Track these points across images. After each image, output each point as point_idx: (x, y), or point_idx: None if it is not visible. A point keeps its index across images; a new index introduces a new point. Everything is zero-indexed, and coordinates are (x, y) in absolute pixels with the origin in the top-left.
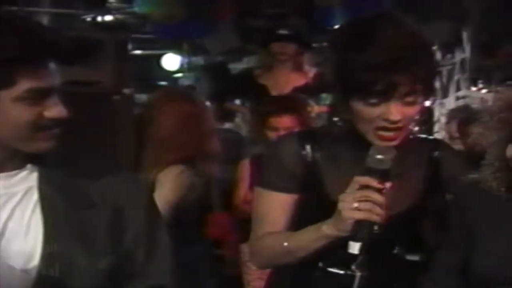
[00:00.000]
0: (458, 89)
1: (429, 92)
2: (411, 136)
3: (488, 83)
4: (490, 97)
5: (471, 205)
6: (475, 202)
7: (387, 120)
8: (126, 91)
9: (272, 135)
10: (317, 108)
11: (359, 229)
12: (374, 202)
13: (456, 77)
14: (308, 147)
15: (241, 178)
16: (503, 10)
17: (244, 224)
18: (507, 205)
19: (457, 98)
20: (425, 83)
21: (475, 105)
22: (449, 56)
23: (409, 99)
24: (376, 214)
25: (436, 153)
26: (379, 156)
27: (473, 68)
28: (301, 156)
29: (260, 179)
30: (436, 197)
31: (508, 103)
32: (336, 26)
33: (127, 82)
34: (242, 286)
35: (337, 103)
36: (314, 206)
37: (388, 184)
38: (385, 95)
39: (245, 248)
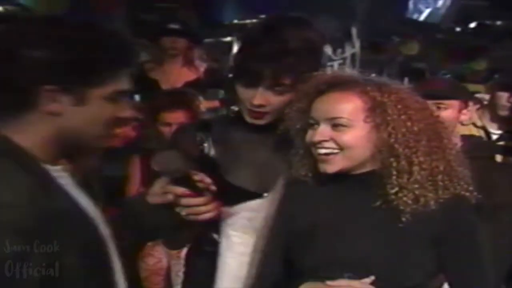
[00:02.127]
0: None
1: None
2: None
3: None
4: None
5: (290, 193)
6: (292, 190)
7: (251, 103)
8: None
9: (165, 130)
10: (206, 103)
11: None
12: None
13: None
14: (200, 134)
15: (132, 174)
16: (386, 8)
17: None
18: (315, 190)
19: None
20: (294, 79)
21: None
22: (339, 51)
23: (277, 88)
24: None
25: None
26: (170, 167)
27: (362, 62)
28: (196, 142)
29: None
30: None
31: (304, 93)
32: (230, 21)
33: None
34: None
35: (229, 88)
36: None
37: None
38: (255, 82)
39: None
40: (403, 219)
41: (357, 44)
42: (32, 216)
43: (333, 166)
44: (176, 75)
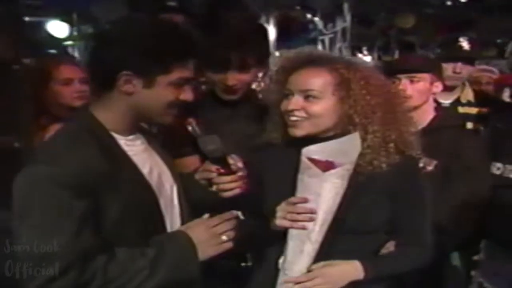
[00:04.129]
0: None
1: (261, 63)
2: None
3: (370, 51)
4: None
5: (263, 158)
6: (265, 155)
7: (225, 84)
8: (26, 61)
9: None
10: None
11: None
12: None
13: (338, 45)
14: (189, 119)
15: None
16: None
17: None
18: (284, 152)
19: None
20: (256, 58)
21: None
22: (330, 25)
23: (243, 69)
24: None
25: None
26: (210, 147)
27: (353, 36)
28: (185, 126)
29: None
30: None
31: (282, 68)
32: None
33: (26, 52)
34: None
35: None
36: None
37: (219, 169)
38: (225, 67)
39: None
40: (359, 178)
41: (348, 18)
42: (76, 176)
43: (301, 131)
44: None
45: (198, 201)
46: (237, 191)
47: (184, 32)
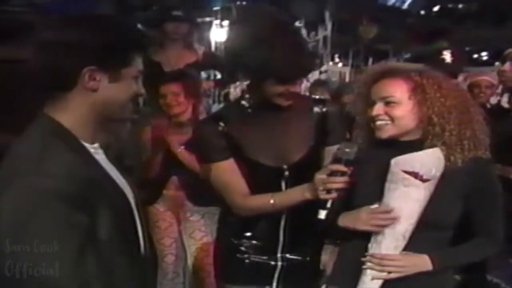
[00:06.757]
0: (321, 64)
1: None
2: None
3: (345, 58)
4: (347, 71)
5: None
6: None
7: (289, 91)
8: None
9: (162, 101)
10: (206, 83)
11: (326, 202)
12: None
13: (320, 53)
14: (221, 123)
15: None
16: None
17: None
18: (370, 158)
19: (320, 72)
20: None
21: (335, 78)
22: (313, 33)
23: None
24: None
25: (324, 110)
26: (346, 149)
27: (333, 44)
28: (217, 131)
29: (203, 157)
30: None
31: (363, 82)
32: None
33: None
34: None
35: (253, 84)
36: (246, 166)
37: (350, 169)
38: (291, 78)
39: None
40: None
41: (329, 26)
42: (72, 186)
43: (385, 133)
44: (177, 57)
45: None
46: (341, 192)
47: (135, 25)
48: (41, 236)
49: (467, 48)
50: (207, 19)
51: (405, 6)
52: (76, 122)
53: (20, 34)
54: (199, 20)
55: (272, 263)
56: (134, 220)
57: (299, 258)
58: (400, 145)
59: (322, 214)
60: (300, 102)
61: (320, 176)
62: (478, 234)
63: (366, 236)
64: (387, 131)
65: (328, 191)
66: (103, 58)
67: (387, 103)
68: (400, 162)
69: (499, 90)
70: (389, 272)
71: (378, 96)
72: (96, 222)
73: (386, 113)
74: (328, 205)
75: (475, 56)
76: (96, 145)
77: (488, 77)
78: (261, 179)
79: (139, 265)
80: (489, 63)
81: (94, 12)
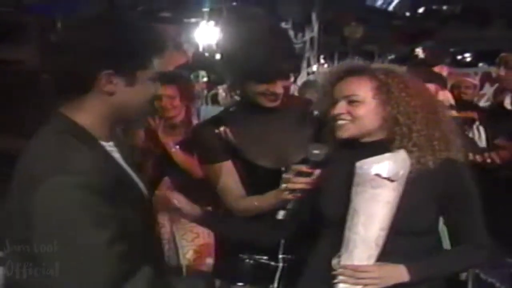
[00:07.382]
0: (308, 65)
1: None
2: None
3: (331, 60)
4: None
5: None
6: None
7: (273, 92)
8: None
9: (156, 103)
10: (198, 85)
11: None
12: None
13: (306, 55)
14: (219, 126)
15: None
16: None
17: None
18: (338, 154)
19: (308, 74)
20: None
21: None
22: (300, 35)
23: (288, 77)
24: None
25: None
26: (314, 151)
27: (320, 45)
28: (215, 134)
29: (201, 159)
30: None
31: (327, 80)
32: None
33: None
34: None
35: (235, 83)
36: (244, 168)
37: (317, 171)
38: (273, 77)
39: None
40: (409, 177)
41: (315, 28)
42: (100, 180)
43: (346, 132)
44: (167, 59)
45: None
46: (305, 192)
47: (153, 27)
48: (82, 228)
49: (451, 49)
50: (194, 20)
51: (391, 7)
52: (93, 122)
53: (9, 35)
54: (186, 21)
55: (273, 263)
56: (150, 213)
57: (300, 258)
58: (365, 147)
59: (280, 215)
60: (291, 103)
61: (286, 176)
62: (461, 240)
63: (335, 245)
64: (347, 130)
65: (292, 191)
66: (119, 63)
67: (350, 102)
68: (366, 164)
69: (484, 91)
70: (365, 285)
71: (341, 94)
72: (121, 214)
73: (349, 112)
74: (289, 206)
75: (459, 57)
76: (111, 143)
77: (469, 78)
78: (259, 181)
79: (154, 252)
80: (472, 64)
81: (110, 14)
